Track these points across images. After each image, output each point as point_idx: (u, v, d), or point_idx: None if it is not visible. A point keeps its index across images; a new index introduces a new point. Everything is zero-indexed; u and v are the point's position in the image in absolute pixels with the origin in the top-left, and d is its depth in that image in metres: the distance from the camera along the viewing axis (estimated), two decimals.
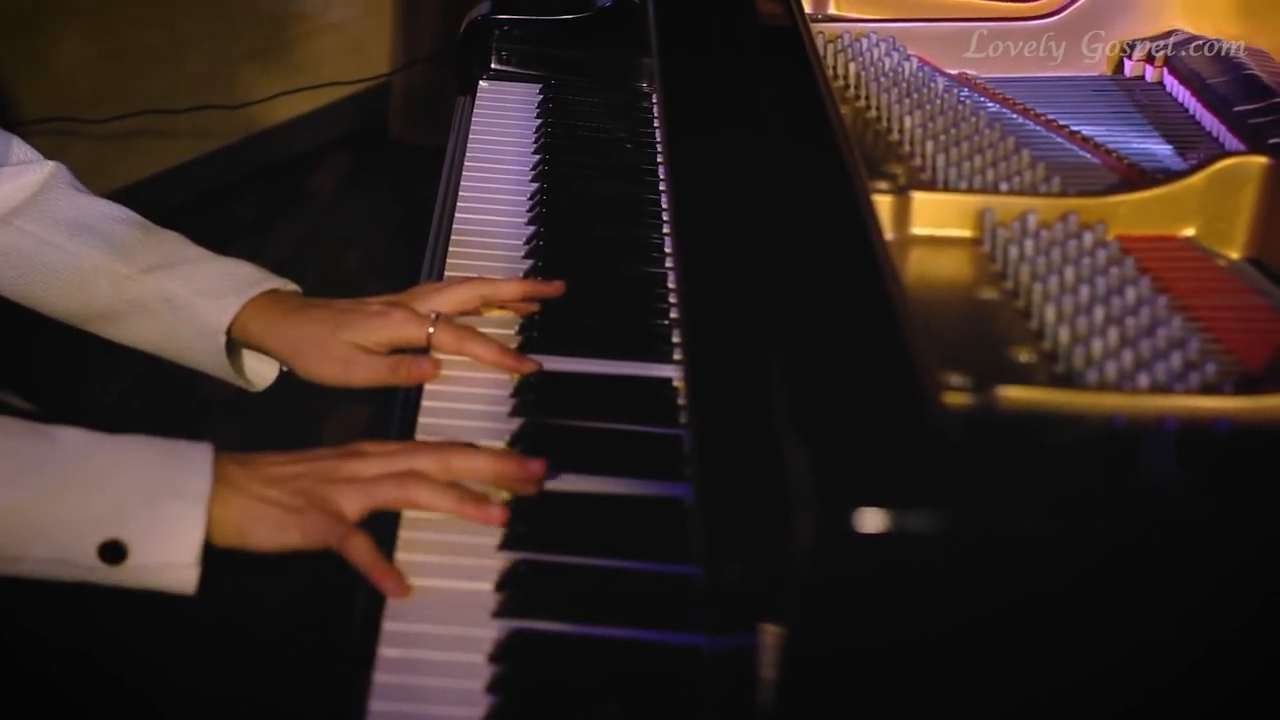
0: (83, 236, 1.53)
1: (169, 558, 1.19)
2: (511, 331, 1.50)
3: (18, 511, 1.18)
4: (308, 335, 1.47)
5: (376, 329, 1.46)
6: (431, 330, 1.46)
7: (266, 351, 1.51)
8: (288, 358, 1.49)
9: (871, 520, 0.83)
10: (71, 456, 1.20)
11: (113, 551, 1.18)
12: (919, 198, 1.33)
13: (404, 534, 1.23)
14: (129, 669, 1.37)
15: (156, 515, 1.19)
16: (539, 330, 1.49)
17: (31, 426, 1.22)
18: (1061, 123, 1.58)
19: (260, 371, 1.57)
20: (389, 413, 1.41)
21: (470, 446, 1.30)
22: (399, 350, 1.47)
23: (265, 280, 1.51)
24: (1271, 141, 1.44)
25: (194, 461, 1.22)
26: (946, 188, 1.39)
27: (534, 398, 1.39)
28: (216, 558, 1.21)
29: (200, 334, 1.50)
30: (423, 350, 1.46)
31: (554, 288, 1.54)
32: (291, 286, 1.53)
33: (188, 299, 1.50)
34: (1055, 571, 0.87)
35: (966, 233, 1.32)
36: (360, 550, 1.19)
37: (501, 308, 1.55)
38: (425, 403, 1.40)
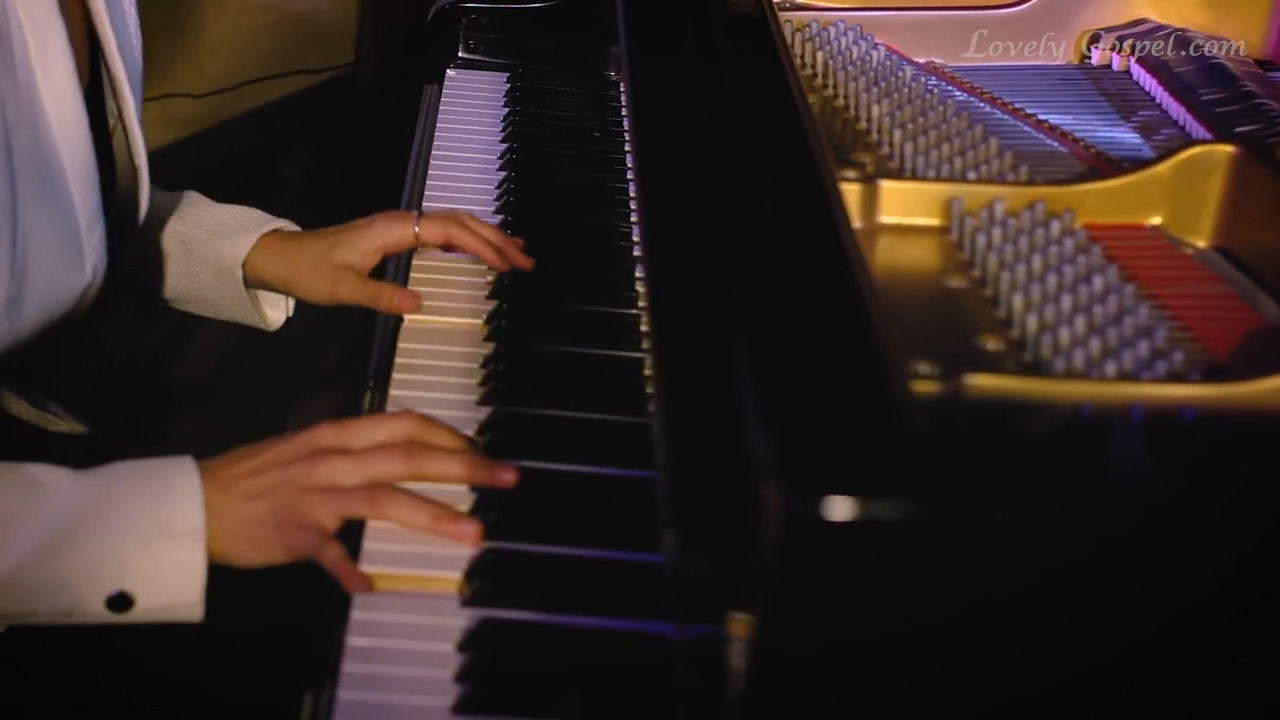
0: None
1: (173, 599, 1.20)
2: (480, 320, 1.50)
3: (21, 575, 1.18)
4: (305, 258, 1.58)
5: (365, 237, 1.57)
6: (417, 228, 1.57)
7: (269, 281, 1.61)
8: (287, 280, 1.60)
9: (839, 508, 0.83)
10: (63, 511, 1.19)
11: (119, 603, 1.19)
12: (887, 186, 1.33)
13: (373, 522, 1.23)
14: (102, 657, 1.37)
15: (155, 561, 1.19)
16: (505, 318, 1.48)
17: (15, 474, 1.21)
18: (1029, 111, 1.58)
19: (270, 315, 1.68)
20: (356, 398, 1.41)
21: (440, 426, 1.29)
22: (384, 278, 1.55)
23: (273, 220, 1.63)
24: (1238, 130, 1.45)
25: (182, 493, 1.21)
26: (914, 176, 1.39)
27: (502, 386, 1.39)
28: None
29: (216, 272, 1.60)
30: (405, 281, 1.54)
31: (523, 263, 1.58)
32: (294, 227, 1.64)
33: (202, 239, 1.60)
34: (1023, 560, 0.87)
35: (934, 221, 1.33)
36: (333, 558, 1.20)
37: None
38: (393, 392, 1.39)
